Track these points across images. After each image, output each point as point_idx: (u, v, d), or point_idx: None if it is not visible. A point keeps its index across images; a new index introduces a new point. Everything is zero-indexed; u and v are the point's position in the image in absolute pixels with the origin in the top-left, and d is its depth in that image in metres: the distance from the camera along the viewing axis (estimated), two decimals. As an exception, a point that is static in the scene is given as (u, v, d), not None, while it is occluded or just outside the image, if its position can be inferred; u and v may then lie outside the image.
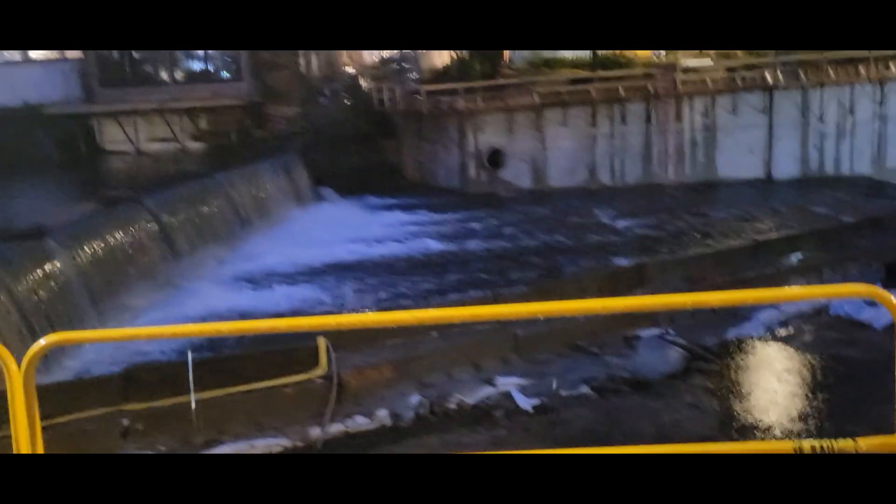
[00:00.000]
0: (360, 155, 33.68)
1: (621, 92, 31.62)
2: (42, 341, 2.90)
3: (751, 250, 21.35)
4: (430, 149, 33.62)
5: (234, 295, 20.22)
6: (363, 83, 44.13)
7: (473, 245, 24.77)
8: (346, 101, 38.19)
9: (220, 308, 19.01)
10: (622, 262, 21.96)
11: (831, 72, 30.74)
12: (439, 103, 32.20)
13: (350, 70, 52.50)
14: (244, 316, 18.01)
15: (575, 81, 34.16)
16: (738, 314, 16.36)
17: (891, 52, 31.74)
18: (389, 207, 30.34)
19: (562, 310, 2.88)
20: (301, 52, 39.46)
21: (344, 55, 57.67)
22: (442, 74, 43.06)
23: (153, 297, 19.48)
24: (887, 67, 30.59)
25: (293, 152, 30.95)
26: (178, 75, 33.85)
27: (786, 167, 31.28)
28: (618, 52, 48.24)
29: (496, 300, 17.90)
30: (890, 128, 30.68)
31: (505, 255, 23.68)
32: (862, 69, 30.56)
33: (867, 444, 2.61)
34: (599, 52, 41.24)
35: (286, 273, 22.23)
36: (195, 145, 32.89)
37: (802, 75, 31.09)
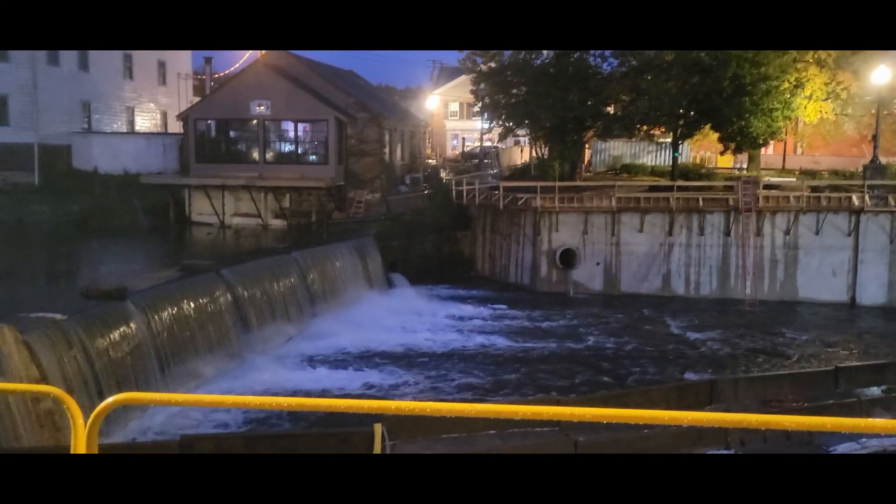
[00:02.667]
0: (435, 244, 34.23)
1: (701, 203, 31.38)
2: (109, 400, 2.98)
3: (830, 376, 20.32)
4: (504, 244, 33.87)
5: (298, 373, 20.41)
6: (443, 175, 45.37)
7: (541, 344, 24.43)
8: (425, 191, 39.19)
9: (283, 385, 19.19)
10: (692, 376, 21.23)
11: (923, 198, 29.80)
12: (516, 200, 32.64)
13: (432, 161, 54.18)
14: (304, 394, 18.11)
15: (654, 189, 34.18)
16: (813, 443, 15.42)
17: None
18: (459, 299, 30.43)
19: (625, 417, 2.76)
20: (387, 143, 41.05)
21: (428, 147, 59.72)
22: (521, 171, 43.96)
23: (220, 366, 19.84)
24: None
25: (370, 237, 31.71)
26: (269, 155, 35.59)
27: (872, 293, 29.99)
28: (699, 161, 48.36)
29: (559, 403, 17.47)
30: None
31: (571, 357, 23.24)
32: (957, 198, 29.51)
33: None
34: (680, 161, 41.42)
35: (352, 355, 22.37)
36: (277, 222, 34.16)
37: (892, 200, 30.23)
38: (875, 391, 19.33)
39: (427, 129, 58.00)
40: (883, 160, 35.24)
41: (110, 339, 16.31)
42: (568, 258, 31.70)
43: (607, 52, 38.76)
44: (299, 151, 36.01)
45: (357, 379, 20.22)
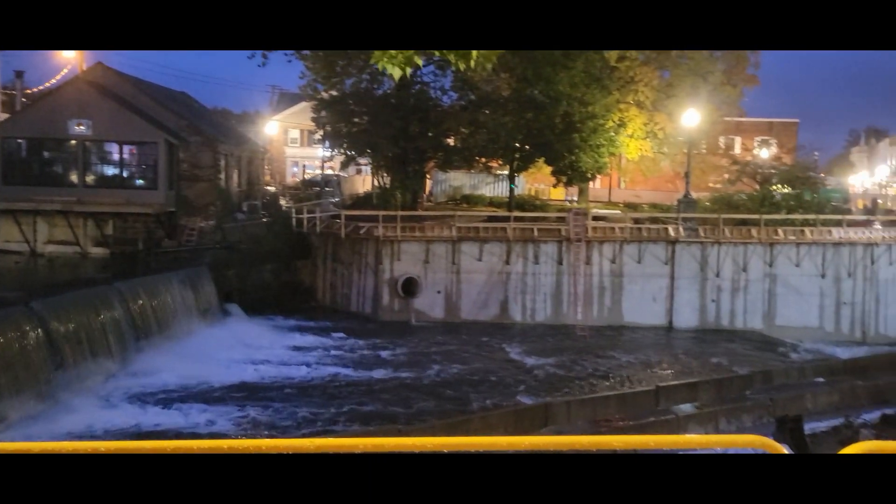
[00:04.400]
0: (273, 274, 33.14)
1: (535, 233, 32.79)
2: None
3: (652, 395, 21.73)
4: (346, 273, 33.48)
5: (120, 413, 18.81)
6: (283, 202, 44.28)
7: (382, 373, 24.22)
8: (263, 218, 37.98)
9: (104, 426, 17.61)
10: (528, 399, 21.89)
11: (727, 231, 32.94)
12: (358, 229, 32.46)
13: (271, 188, 52.78)
14: (129, 437, 16.68)
15: (492, 219, 35.33)
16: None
17: (778, 217, 34.49)
18: (298, 329, 29.59)
19: (465, 445, 2.72)
20: (222, 168, 39.49)
21: (267, 174, 58.23)
22: (363, 200, 43.89)
23: (27, 409, 17.89)
24: (776, 233, 33.04)
25: (203, 266, 30.14)
26: (89, 179, 32.92)
27: (686, 316, 32.61)
28: (533, 193, 50.78)
29: (400, 433, 17.31)
30: (778, 287, 32.73)
31: (414, 385, 23.21)
32: (754, 231, 32.89)
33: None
34: (516, 193, 43.29)
35: (182, 392, 20.97)
36: (98, 251, 31.60)
37: (702, 232, 33.15)
38: (689, 408, 20.85)
39: (266, 156, 56.58)
40: (694, 195, 38.67)
41: None
42: (409, 287, 31.87)
43: (447, 85, 39.92)
44: (125, 175, 33.61)
45: (188, 417, 18.96)
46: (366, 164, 46.21)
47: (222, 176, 39.75)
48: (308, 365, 24.62)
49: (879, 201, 55.39)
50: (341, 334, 28.91)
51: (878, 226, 35.93)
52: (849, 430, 19.62)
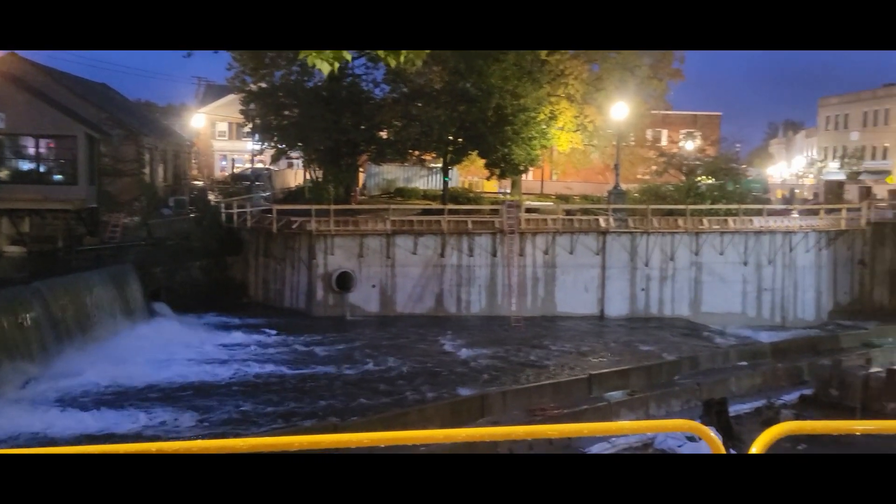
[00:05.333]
0: (203, 271, 32.27)
1: (470, 226, 32.93)
2: None
3: (585, 383, 22.16)
4: (278, 268, 32.90)
5: (40, 417, 17.98)
6: (212, 197, 43.14)
7: (317, 370, 23.91)
8: (191, 214, 36.91)
9: (23, 431, 16.81)
10: (465, 391, 22.00)
11: (655, 221, 33.81)
12: (290, 223, 31.91)
13: (198, 183, 51.35)
14: (47, 442, 15.96)
15: (427, 212, 35.30)
16: (571, 446, 16.61)
17: (703, 207, 35.60)
18: (230, 327, 28.93)
19: (402, 439, 2.66)
20: (147, 162, 38.20)
21: (194, 168, 56.62)
22: (295, 194, 43.12)
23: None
24: (701, 222, 34.10)
25: (128, 264, 29.09)
26: (2, 174, 31.24)
27: (617, 305, 33.35)
28: (467, 186, 50.96)
29: (337, 429, 17.13)
30: (704, 275, 33.82)
31: (349, 380, 23.01)
32: (680, 221, 33.86)
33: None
34: (450, 186, 43.34)
35: (107, 393, 20.21)
36: (13, 249, 30.09)
37: (631, 222, 33.93)
38: (620, 395, 21.36)
39: (193, 149, 55.00)
40: (623, 186, 39.53)
41: None
42: (344, 281, 31.56)
43: (379, 78, 39.61)
44: (41, 170, 32.07)
45: (110, 420, 18.28)
46: (297, 158, 45.43)
47: (147, 170, 38.44)
48: (240, 363, 24.12)
49: (797, 191, 57.84)
50: (274, 331, 28.41)
51: (795, 215, 37.52)
52: (770, 410, 20.45)
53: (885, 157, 68.66)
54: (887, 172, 64.65)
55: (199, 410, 19.41)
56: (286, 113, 38.49)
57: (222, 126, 68.23)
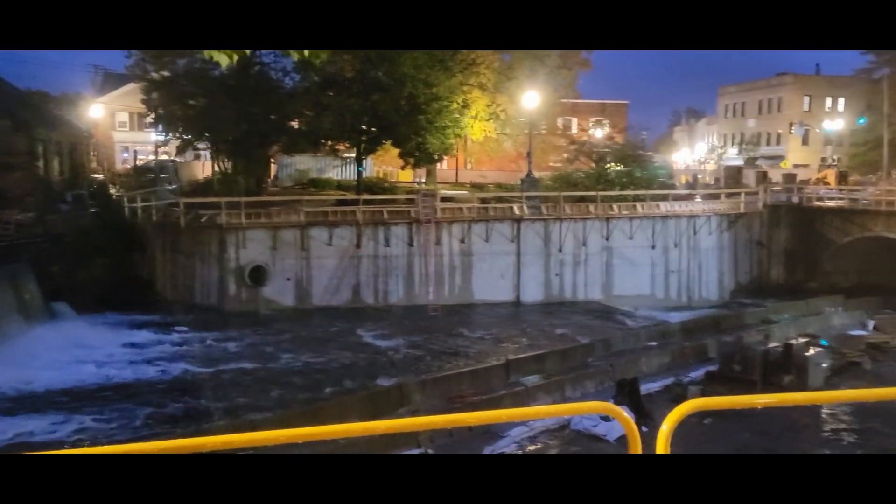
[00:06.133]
0: (106, 268, 30.75)
1: (385, 215, 32.74)
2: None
3: (503, 369, 22.44)
4: (187, 264, 31.77)
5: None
6: (113, 191, 41.21)
7: (231, 366, 23.25)
8: (91, 209, 35.12)
9: None
10: (384, 382, 21.88)
11: (567, 208, 34.54)
12: (199, 217, 30.84)
13: (98, 176, 48.94)
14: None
15: (341, 203, 34.84)
16: (491, 431, 16.81)
17: (613, 193, 36.61)
18: (137, 325, 27.74)
19: (320, 434, 2.58)
20: (40, 155, 36.09)
21: (93, 161, 53.92)
22: (203, 187, 41.69)
23: None
24: (611, 208, 35.07)
25: (23, 262, 27.43)
26: None
27: (532, 291, 33.94)
28: (382, 176, 50.65)
29: (254, 427, 16.70)
30: (615, 259, 34.84)
31: (265, 376, 22.48)
32: (591, 207, 34.72)
33: None
34: (364, 176, 42.93)
35: (2, 399, 19.02)
36: None
37: (544, 209, 34.53)
38: (537, 379, 21.74)
39: (91, 141, 52.35)
40: (536, 174, 40.16)
41: None
42: (258, 275, 30.81)
43: (289, 66, 38.73)
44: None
45: (10, 427, 17.23)
46: (205, 149, 43.98)
47: (40, 163, 36.33)
48: (148, 362, 23.20)
49: (699, 176, 60.32)
50: (184, 328, 27.46)
51: (698, 199, 39.11)
52: (679, 387, 21.28)
53: (778, 142, 72.47)
54: (781, 157, 68.33)
55: (104, 414, 18.54)
56: (191, 102, 37.16)
57: (123, 116, 65.21)
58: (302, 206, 32.22)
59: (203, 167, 51.03)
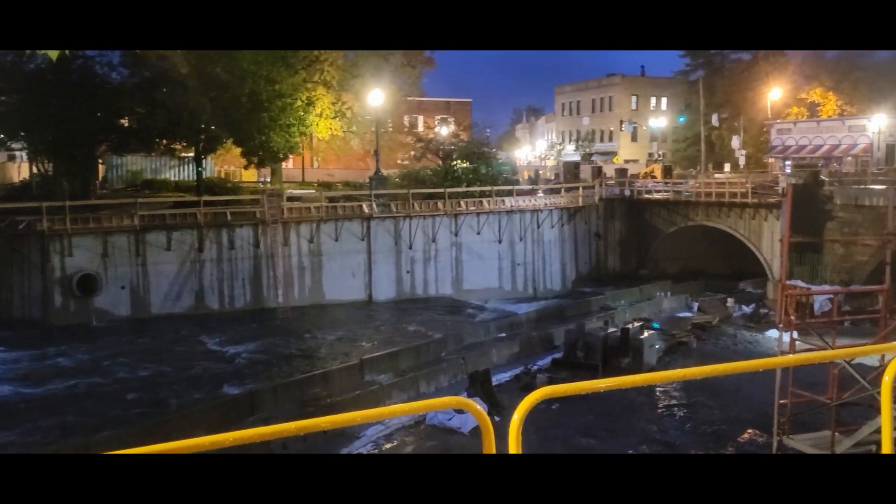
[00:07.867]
0: None
1: (229, 217, 31.40)
2: None
3: (357, 368, 22.20)
4: (4, 274, 28.79)
5: None
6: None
7: (60, 385, 21.33)
8: None
9: None
10: (233, 390, 20.97)
11: (416, 205, 34.79)
12: (16, 224, 28.06)
13: None
14: None
15: (180, 205, 32.96)
16: (346, 433, 16.57)
17: (460, 190, 37.35)
18: (-57, 346, 24.83)
19: (162, 451, 2.39)
20: None
21: None
22: (20, 190, 38.01)
23: None
24: (459, 204, 35.74)
25: None
26: None
27: (384, 289, 33.91)
28: (224, 175, 48.58)
29: (88, 447, 15.41)
30: (464, 254, 35.57)
31: (98, 394, 20.82)
32: (440, 204, 35.20)
33: None
34: (205, 176, 40.92)
35: None
36: None
37: (394, 207, 34.58)
38: (391, 377, 21.72)
39: None
40: (385, 172, 40.15)
41: None
42: (87, 284, 28.52)
43: (115, 61, 36.18)
44: None
45: None
46: (20, 150, 40.14)
47: None
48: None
49: (540, 172, 62.94)
50: (1, 347, 24.89)
51: (540, 194, 40.76)
52: (528, 376, 22.06)
53: (611, 139, 77.17)
54: (614, 153, 72.77)
55: None
56: (3, 99, 33.78)
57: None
58: (136, 209, 30.17)
59: (19, 169, 46.61)
